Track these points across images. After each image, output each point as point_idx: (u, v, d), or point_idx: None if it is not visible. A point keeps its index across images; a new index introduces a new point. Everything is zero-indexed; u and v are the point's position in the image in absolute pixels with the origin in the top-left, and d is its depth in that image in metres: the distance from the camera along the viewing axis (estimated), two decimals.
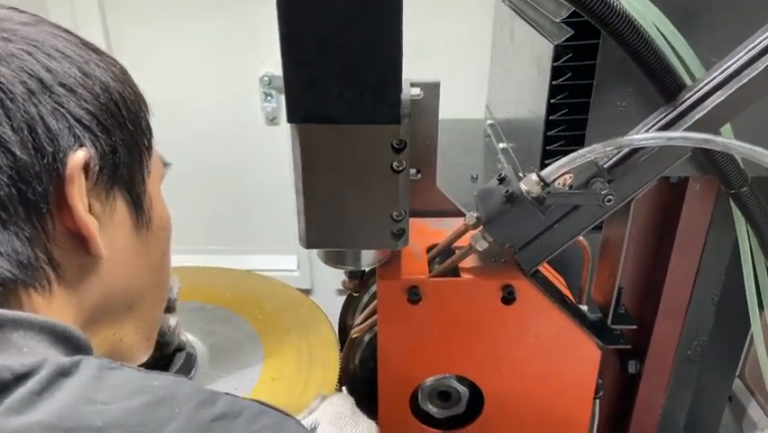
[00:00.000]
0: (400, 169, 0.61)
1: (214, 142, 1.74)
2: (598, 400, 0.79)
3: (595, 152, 0.63)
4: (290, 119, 0.59)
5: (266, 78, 1.65)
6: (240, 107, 1.71)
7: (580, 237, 0.76)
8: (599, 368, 0.75)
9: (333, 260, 0.70)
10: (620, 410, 0.96)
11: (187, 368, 0.78)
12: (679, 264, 0.81)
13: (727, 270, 0.82)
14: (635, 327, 0.75)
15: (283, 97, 1.84)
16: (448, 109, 0.86)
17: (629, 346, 0.75)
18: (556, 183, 0.65)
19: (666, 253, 0.81)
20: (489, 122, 1.17)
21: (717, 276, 0.83)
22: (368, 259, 0.69)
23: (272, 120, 1.72)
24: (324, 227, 0.64)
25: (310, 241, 0.65)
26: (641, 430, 0.97)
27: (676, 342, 0.87)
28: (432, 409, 0.76)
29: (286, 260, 1.90)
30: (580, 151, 0.64)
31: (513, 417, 0.75)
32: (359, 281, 0.74)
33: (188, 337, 0.84)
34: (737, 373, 1.20)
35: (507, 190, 0.64)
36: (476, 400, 0.75)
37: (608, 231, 0.75)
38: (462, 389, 0.74)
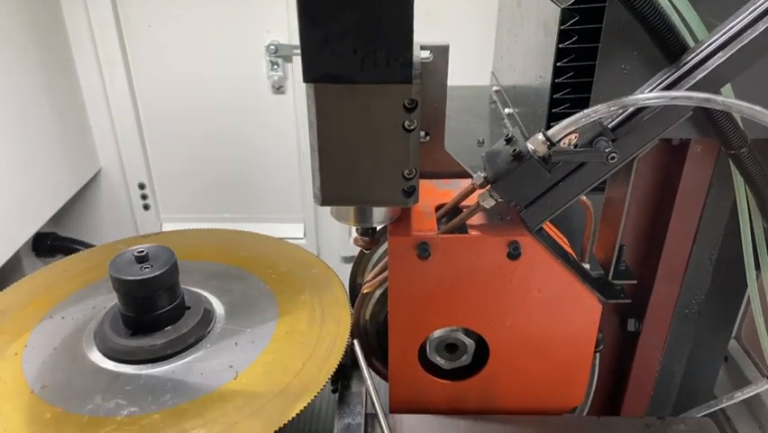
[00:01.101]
0: (411, 128, 0.63)
1: (221, 111, 1.75)
2: (598, 354, 0.82)
3: (599, 111, 0.65)
4: (306, 78, 0.61)
5: (272, 47, 1.66)
6: (246, 76, 1.72)
7: (584, 198, 0.79)
8: (600, 324, 0.79)
9: (346, 217, 0.73)
10: (619, 368, 0.99)
11: (206, 323, 0.82)
12: (678, 225, 0.84)
13: (726, 231, 0.85)
14: (635, 281, 0.78)
15: (289, 66, 1.84)
16: (455, 76, 0.87)
17: (629, 301, 0.78)
18: (561, 143, 0.68)
19: (666, 214, 0.83)
20: (494, 88, 1.18)
21: (716, 237, 0.85)
22: (379, 216, 0.72)
23: (278, 89, 1.73)
24: (338, 185, 0.67)
25: (325, 198, 0.68)
26: (639, 387, 1.00)
27: (674, 301, 0.90)
28: (439, 360, 0.79)
29: (292, 228, 1.93)
30: (585, 111, 0.66)
31: (517, 368, 0.78)
32: (370, 239, 0.77)
33: (205, 295, 0.87)
34: (734, 335, 1.24)
35: (515, 150, 0.66)
36: (482, 351, 0.78)
37: (610, 191, 0.77)
38: (469, 341, 0.78)
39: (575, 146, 0.68)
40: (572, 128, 0.67)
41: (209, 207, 1.87)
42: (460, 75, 1.04)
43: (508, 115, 1.04)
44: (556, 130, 0.66)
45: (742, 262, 0.77)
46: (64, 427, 0.68)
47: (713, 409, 0.94)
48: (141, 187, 1.81)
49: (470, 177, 0.76)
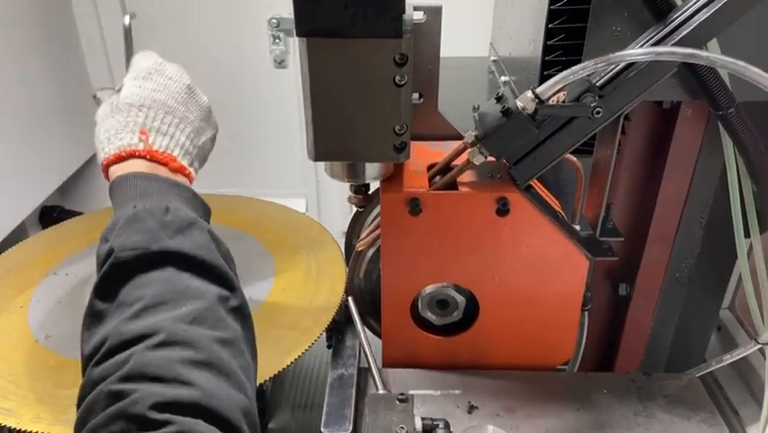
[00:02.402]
0: (402, 83, 0.65)
1: (222, 86, 1.76)
2: (587, 313, 0.84)
3: (587, 68, 0.66)
4: (298, 32, 0.63)
5: (274, 21, 1.66)
6: (247, 51, 1.73)
7: (574, 159, 0.80)
8: (590, 286, 0.81)
9: (339, 173, 0.74)
10: (610, 333, 1.01)
11: None
12: (669, 188, 0.85)
13: (716, 194, 0.86)
14: (621, 238, 0.80)
15: (291, 40, 1.84)
16: (457, 48, 0.88)
17: (616, 258, 0.80)
18: (550, 101, 0.69)
19: (657, 177, 0.84)
20: (492, 58, 1.19)
21: (706, 200, 0.87)
22: (372, 173, 0.74)
23: (280, 63, 1.74)
24: (330, 140, 0.69)
25: (318, 153, 0.70)
26: (630, 351, 1.02)
27: (665, 264, 0.92)
28: (431, 316, 0.81)
29: (294, 203, 1.93)
30: (573, 68, 0.67)
31: (506, 324, 0.80)
32: (363, 196, 0.79)
33: None
34: (728, 305, 1.25)
35: (504, 106, 0.68)
36: (472, 307, 0.81)
37: (598, 152, 0.79)
38: (459, 297, 0.80)
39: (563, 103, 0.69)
40: (561, 85, 0.68)
41: (210, 181, 1.86)
42: (463, 47, 1.05)
43: (504, 82, 1.05)
44: (545, 87, 0.68)
45: (731, 226, 0.78)
46: (67, 372, 0.71)
47: (702, 373, 0.96)
48: None
49: (461, 140, 0.78)
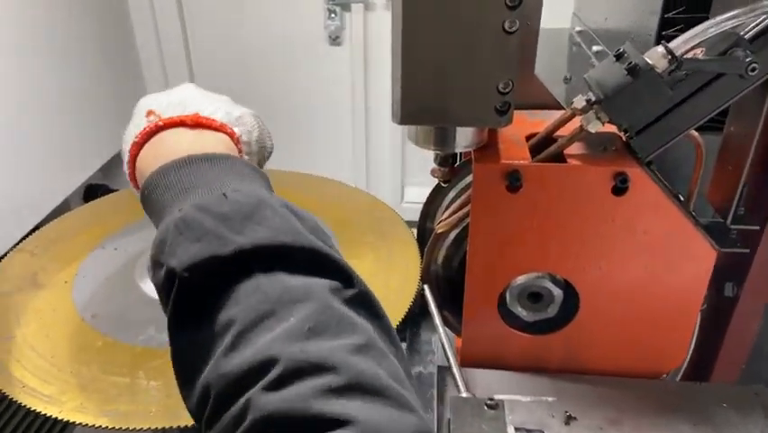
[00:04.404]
0: (513, 30, 0.55)
1: (273, 62, 1.70)
2: (700, 313, 0.73)
3: (737, 18, 0.55)
4: None
5: None
6: (302, 26, 1.65)
7: (695, 134, 0.69)
8: None
9: (425, 140, 0.64)
10: (712, 335, 0.90)
11: None
12: None
13: None
14: (757, 226, 0.68)
15: (347, 15, 1.74)
16: None
17: (747, 250, 0.68)
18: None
19: None
20: (577, 29, 1.08)
21: None
22: (463, 140, 0.63)
23: (335, 39, 1.65)
24: (421, 100, 0.59)
25: (405, 115, 0.60)
26: (730, 360, 0.90)
27: None
28: (521, 311, 0.71)
29: None
30: (716, 18, 0.56)
31: (609, 322, 0.69)
32: (449, 169, 0.68)
33: None
34: None
35: (630, 62, 0.57)
36: (569, 303, 0.70)
37: (734, 124, 0.67)
38: (556, 290, 0.69)
39: None
40: (698, 40, 0.57)
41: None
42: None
43: (597, 52, 0.94)
44: (679, 42, 0.57)
45: None
46: (115, 356, 0.63)
47: None
48: None
49: (562, 110, 0.67)
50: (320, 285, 0.39)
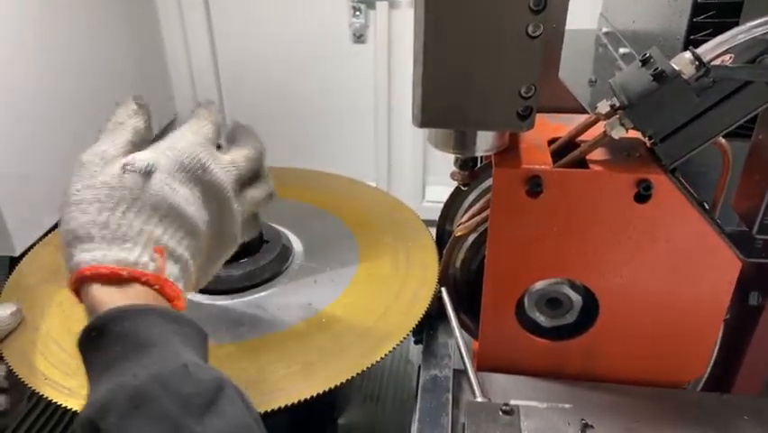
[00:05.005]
0: (536, 34, 0.54)
1: (298, 59, 1.70)
2: (722, 324, 0.71)
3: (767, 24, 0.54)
4: None
5: None
6: (326, 23, 1.65)
7: (722, 140, 0.67)
8: None
9: (445, 143, 0.64)
10: (734, 345, 0.88)
11: (283, 258, 0.76)
12: None
13: None
14: None
15: (372, 13, 1.73)
16: None
17: None
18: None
19: None
20: (604, 30, 1.06)
21: None
22: (484, 144, 0.63)
23: (359, 38, 1.65)
24: (442, 103, 0.59)
25: (425, 119, 0.60)
26: (753, 371, 0.89)
27: None
28: (539, 316, 0.70)
29: None
30: (747, 24, 0.55)
31: (629, 330, 0.68)
32: (469, 172, 0.68)
33: (282, 231, 0.82)
34: None
35: (656, 68, 0.56)
36: (588, 310, 0.69)
37: (763, 132, 0.65)
38: (575, 296, 0.68)
39: None
40: (727, 46, 0.56)
41: (279, 158, 1.82)
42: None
43: (624, 55, 0.92)
44: (707, 48, 0.56)
45: None
46: None
47: None
48: None
49: (586, 114, 0.66)
50: None
